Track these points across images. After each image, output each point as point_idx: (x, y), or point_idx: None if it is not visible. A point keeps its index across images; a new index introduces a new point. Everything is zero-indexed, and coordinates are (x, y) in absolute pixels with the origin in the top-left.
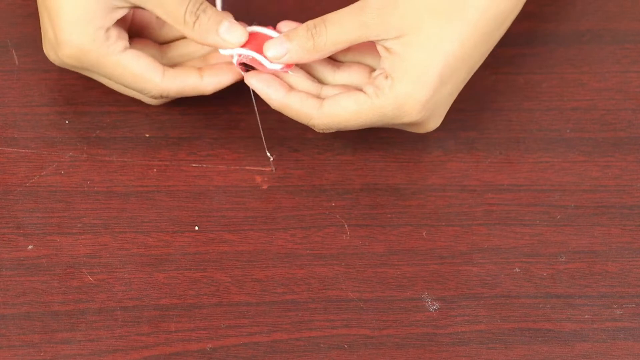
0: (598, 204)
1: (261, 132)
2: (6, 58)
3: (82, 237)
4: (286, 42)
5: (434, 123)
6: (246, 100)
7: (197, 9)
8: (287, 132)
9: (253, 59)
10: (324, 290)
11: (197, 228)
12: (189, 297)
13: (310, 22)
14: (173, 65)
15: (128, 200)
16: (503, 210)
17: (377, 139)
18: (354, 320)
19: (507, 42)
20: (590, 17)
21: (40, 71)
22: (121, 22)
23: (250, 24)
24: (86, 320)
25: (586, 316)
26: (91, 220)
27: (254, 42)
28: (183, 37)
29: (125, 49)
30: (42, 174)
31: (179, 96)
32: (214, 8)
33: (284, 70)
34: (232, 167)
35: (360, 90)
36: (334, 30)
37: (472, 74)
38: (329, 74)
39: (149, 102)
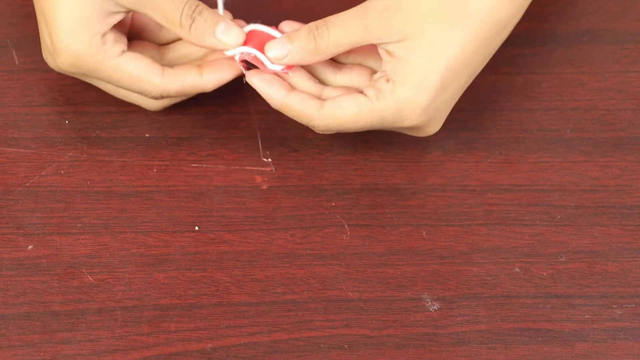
0: (598, 204)
1: (258, 137)
2: (6, 58)
3: (82, 237)
4: (288, 44)
5: (434, 127)
6: (246, 100)
7: (193, 12)
8: (287, 132)
9: (255, 57)
10: (324, 290)
11: (197, 228)
12: (189, 297)
13: (312, 24)
14: (173, 66)
15: (128, 200)
16: (503, 210)
17: (377, 139)
18: (354, 320)
19: (507, 42)
20: (590, 17)
21: (40, 71)
22: (119, 26)
23: (249, 24)
24: (86, 320)
25: (586, 316)
26: (91, 220)
27: (256, 40)
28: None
29: (123, 52)
30: (42, 174)
31: (179, 95)
32: (210, 10)
33: (284, 71)
34: (232, 167)
35: (362, 92)
36: (336, 32)
37: (473, 78)
38: (331, 75)
39: (150, 108)
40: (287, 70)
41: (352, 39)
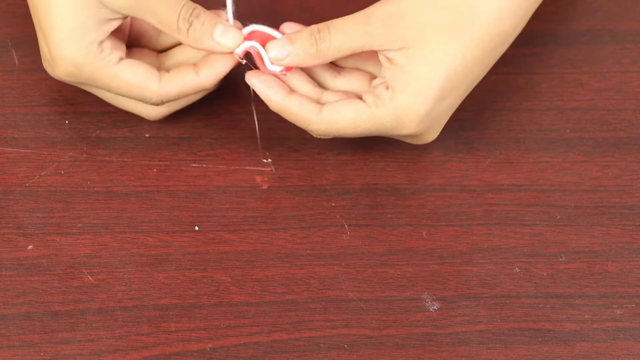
0: (598, 204)
1: (258, 137)
2: (6, 58)
3: (82, 237)
4: (288, 45)
5: (432, 135)
6: (246, 100)
7: (190, 15)
8: (287, 132)
9: (258, 53)
10: (324, 290)
11: (197, 228)
12: (189, 297)
13: (314, 27)
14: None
15: (128, 200)
16: (503, 210)
17: (377, 139)
18: (354, 320)
19: None
20: (590, 17)
21: (40, 71)
22: (117, 33)
23: (251, 24)
24: (86, 320)
25: (586, 316)
26: (91, 220)
27: (257, 41)
28: (181, 43)
29: (121, 59)
30: (42, 174)
31: (180, 98)
32: (207, 12)
33: (282, 73)
34: (232, 167)
35: (360, 98)
36: (338, 37)
37: (472, 87)
38: (330, 78)
39: (150, 117)
40: (286, 71)
41: (354, 44)
